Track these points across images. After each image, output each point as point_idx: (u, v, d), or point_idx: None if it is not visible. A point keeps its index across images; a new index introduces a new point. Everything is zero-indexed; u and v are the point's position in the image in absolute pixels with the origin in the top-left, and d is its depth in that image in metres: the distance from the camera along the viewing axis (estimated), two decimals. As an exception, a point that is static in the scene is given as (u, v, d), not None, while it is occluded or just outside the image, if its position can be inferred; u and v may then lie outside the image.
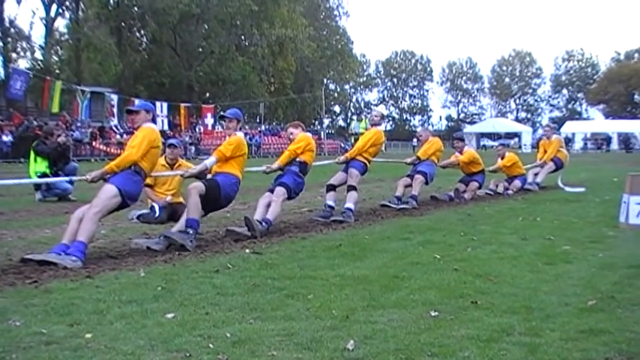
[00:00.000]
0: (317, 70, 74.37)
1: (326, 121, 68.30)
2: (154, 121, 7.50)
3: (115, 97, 38.32)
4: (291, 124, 9.68)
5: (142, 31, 59.70)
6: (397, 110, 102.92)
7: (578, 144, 66.68)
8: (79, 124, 36.12)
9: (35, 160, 12.56)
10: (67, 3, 52.94)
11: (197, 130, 46.26)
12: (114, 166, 6.81)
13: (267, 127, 54.55)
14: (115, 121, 38.61)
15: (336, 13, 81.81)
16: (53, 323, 4.21)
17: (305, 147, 9.04)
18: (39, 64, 50.42)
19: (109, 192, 6.62)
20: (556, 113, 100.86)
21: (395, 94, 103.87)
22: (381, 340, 3.95)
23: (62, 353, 3.67)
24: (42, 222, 9.30)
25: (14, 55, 52.25)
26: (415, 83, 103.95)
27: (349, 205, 9.69)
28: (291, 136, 9.35)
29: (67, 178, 11.07)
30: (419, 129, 18.69)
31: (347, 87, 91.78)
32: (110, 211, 6.73)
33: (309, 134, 9.49)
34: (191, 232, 7.11)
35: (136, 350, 3.72)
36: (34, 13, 79.95)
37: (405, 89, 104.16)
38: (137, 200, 7.23)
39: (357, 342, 3.86)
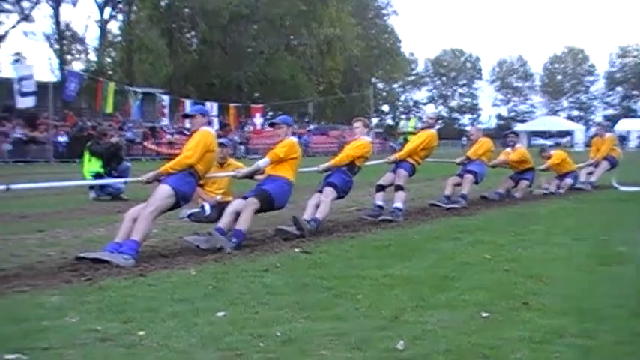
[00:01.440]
0: (365, 69, 74.14)
1: (374, 120, 68.06)
2: (209, 124, 7.59)
3: (165, 98, 38.79)
4: (362, 121, 9.37)
5: (193, 32, 60.45)
6: (446, 109, 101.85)
7: (633, 142, 65.02)
8: (131, 125, 36.72)
9: (89, 160, 12.83)
10: (120, 5, 53.99)
11: (246, 129, 46.60)
12: (169, 168, 6.90)
13: (315, 126, 54.59)
14: (165, 122, 39.07)
15: (384, 11, 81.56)
16: (107, 320, 4.29)
17: (363, 154, 9.05)
18: (93, 66, 51.56)
19: (164, 192, 6.71)
20: (610, 111, 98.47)
21: (444, 92, 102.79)
22: (431, 340, 3.92)
23: (116, 350, 3.74)
24: (95, 221, 9.48)
25: (69, 57, 53.53)
26: (464, 82, 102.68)
27: (398, 204, 9.64)
28: (356, 130, 9.30)
29: (122, 180, 11.29)
30: (469, 128, 18.48)
31: (395, 86, 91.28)
32: (164, 211, 6.82)
33: (369, 140, 9.43)
34: (234, 240, 7.10)
35: (187, 348, 3.77)
36: (89, 16, 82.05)
37: (454, 88, 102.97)
38: (190, 201, 7.32)
39: (406, 342, 3.85)
